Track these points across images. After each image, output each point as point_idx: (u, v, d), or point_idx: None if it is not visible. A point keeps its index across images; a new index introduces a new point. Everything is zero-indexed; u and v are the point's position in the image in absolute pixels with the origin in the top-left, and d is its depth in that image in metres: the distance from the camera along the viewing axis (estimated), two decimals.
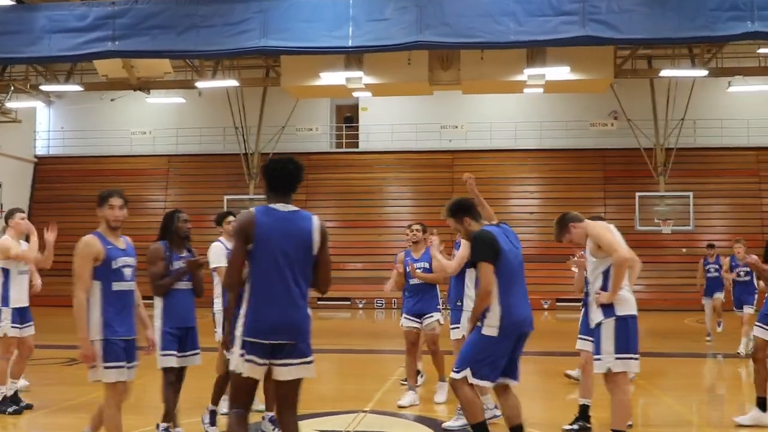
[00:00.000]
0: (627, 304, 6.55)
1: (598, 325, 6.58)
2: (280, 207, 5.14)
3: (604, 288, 6.56)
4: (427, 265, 9.41)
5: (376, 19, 15.12)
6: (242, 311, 5.10)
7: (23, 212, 9.29)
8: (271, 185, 5.20)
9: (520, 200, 31.53)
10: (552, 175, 31.54)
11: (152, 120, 33.42)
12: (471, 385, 6.28)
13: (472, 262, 6.48)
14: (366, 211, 31.38)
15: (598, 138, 31.69)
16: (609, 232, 6.70)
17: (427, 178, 31.84)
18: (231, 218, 8.45)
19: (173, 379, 6.94)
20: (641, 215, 28.26)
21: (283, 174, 5.18)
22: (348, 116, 33.75)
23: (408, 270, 9.47)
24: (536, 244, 29.59)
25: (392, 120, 32.20)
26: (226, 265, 5.72)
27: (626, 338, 6.49)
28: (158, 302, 7.04)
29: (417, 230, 9.69)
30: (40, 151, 34.78)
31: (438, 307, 9.64)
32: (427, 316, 9.47)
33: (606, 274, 6.58)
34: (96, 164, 33.48)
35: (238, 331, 5.08)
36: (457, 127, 31.73)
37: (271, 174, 5.20)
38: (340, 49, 15.99)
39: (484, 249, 6.23)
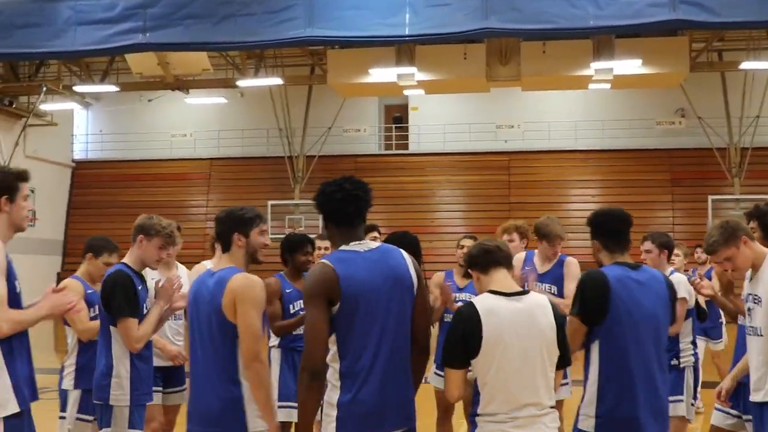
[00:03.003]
0: None
1: None
2: (357, 247, 3.80)
3: None
4: (555, 290, 6.81)
5: (436, 4, 13.44)
6: (332, 396, 3.74)
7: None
8: (331, 219, 3.86)
9: (581, 204, 29.50)
10: (615, 177, 29.50)
11: (193, 122, 31.99)
12: None
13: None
14: (416, 217, 29.60)
15: (664, 137, 29.57)
16: None
17: (481, 181, 29.98)
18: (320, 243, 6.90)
19: None
20: (714, 220, 26.22)
21: (342, 200, 3.81)
22: (397, 116, 32.03)
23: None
24: None
25: (444, 120, 30.41)
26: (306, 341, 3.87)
27: None
28: None
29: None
30: (78, 155, 33.55)
31: None
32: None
33: None
34: (135, 168, 32.18)
35: (332, 425, 3.71)
36: (513, 126, 29.81)
37: (327, 203, 3.86)
38: (396, 39, 14.35)
39: (583, 299, 4.24)
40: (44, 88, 25.43)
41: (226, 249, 4.29)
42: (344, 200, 3.80)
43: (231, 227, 4.25)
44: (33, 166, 28.60)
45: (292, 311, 6.24)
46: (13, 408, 4.02)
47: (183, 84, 23.94)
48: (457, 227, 29.46)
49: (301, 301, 5.98)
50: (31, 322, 4.26)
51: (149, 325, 5.17)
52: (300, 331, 5.98)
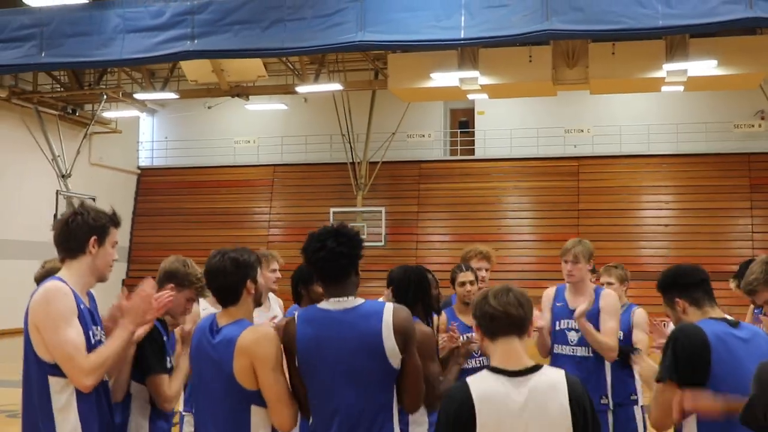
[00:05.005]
0: None
1: None
2: (332, 305, 3.56)
3: None
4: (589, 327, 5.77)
5: (493, 5, 12.69)
6: None
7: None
8: (316, 275, 3.71)
9: (654, 211, 28.42)
10: (690, 183, 28.25)
11: (256, 128, 31.79)
12: None
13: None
14: (482, 224, 28.84)
15: (743, 141, 28.24)
16: None
17: (550, 187, 29.02)
18: None
19: None
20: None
21: (323, 259, 3.57)
22: (463, 121, 31.26)
23: (557, 324, 5.76)
24: (671, 260, 26.59)
25: (511, 124, 29.60)
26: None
27: None
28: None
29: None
30: (144, 162, 33.64)
31: (606, 396, 5.72)
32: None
33: None
34: (199, 175, 32.09)
35: None
36: (582, 130, 28.81)
37: (309, 260, 3.62)
38: (451, 42, 13.60)
39: (674, 361, 3.52)
40: (104, 97, 25.41)
41: (234, 302, 3.70)
42: (325, 259, 3.56)
43: (244, 275, 3.70)
44: (98, 173, 29.08)
45: None
46: None
47: (243, 90, 23.63)
48: (524, 234, 28.65)
49: None
50: (115, 352, 3.68)
51: (179, 381, 4.30)
52: None
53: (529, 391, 3.00)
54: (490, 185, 29.56)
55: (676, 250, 27.12)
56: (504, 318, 3.10)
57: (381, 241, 26.87)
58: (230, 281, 3.67)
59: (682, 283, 3.82)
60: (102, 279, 3.86)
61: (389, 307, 3.51)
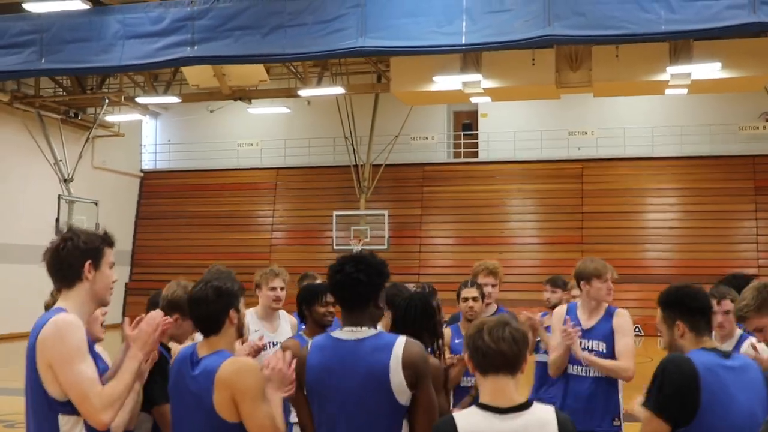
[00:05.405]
0: None
1: None
2: (345, 334, 3.50)
3: None
4: (603, 347, 5.54)
5: (494, 10, 12.53)
6: None
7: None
8: (335, 297, 3.68)
9: (658, 214, 28.29)
10: (694, 186, 28.13)
11: (259, 131, 31.72)
12: None
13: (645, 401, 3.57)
14: (486, 227, 28.75)
15: (747, 143, 28.10)
16: None
17: (553, 190, 28.91)
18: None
19: None
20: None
21: (339, 283, 3.54)
22: (466, 123, 31.15)
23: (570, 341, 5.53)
24: (676, 263, 26.55)
25: (515, 126, 29.49)
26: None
27: None
28: None
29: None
30: (147, 165, 33.59)
31: (618, 417, 5.55)
32: None
33: None
34: (203, 178, 32.07)
35: None
36: (586, 133, 28.71)
37: (329, 280, 3.60)
38: (452, 48, 13.45)
39: (662, 392, 3.42)
40: (106, 101, 25.38)
41: (215, 331, 3.59)
42: (341, 283, 3.52)
43: (227, 304, 3.60)
44: (101, 177, 28.97)
45: None
46: None
47: (245, 94, 23.58)
48: (528, 237, 28.54)
49: None
50: (128, 384, 3.48)
51: None
52: None
53: (517, 429, 2.92)
54: (494, 188, 29.46)
55: (680, 253, 27.01)
56: (497, 355, 2.99)
57: (384, 244, 26.76)
58: (212, 310, 3.56)
59: (688, 306, 3.66)
60: (103, 303, 3.67)
61: (401, 341, 3.40)
